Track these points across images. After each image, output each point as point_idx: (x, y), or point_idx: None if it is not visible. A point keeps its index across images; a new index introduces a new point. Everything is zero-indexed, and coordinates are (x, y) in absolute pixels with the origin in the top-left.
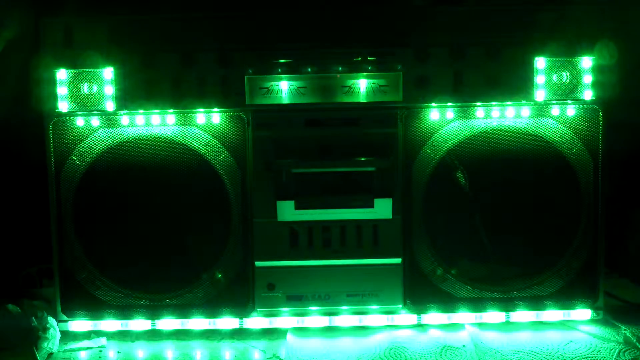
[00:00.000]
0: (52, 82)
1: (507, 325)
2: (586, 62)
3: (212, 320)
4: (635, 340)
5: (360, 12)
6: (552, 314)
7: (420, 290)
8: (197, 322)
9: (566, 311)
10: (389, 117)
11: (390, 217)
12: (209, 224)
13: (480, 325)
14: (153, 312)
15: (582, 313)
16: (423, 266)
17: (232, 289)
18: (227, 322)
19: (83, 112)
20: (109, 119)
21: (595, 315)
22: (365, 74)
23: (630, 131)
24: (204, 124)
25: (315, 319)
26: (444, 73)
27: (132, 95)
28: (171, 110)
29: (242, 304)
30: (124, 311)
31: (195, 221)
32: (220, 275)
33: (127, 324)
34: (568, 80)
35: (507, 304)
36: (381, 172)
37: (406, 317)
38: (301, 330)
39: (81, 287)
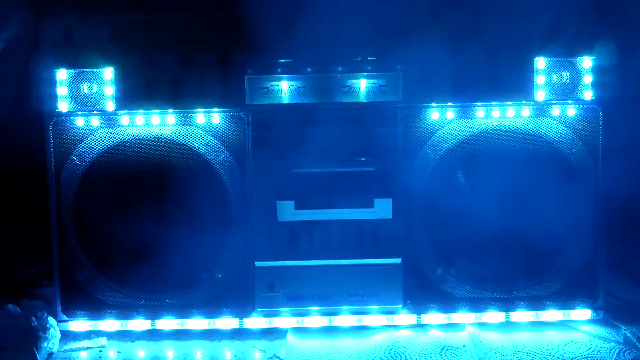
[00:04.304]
0: (52, 82)
1: (507, 325)
2: (586, 62)
3: (212, 320)
4: (635, 340)
5: (360, 11)
6: (552, 314)
7: (420, 290)
8: (197, 322)
9: (566, 311)
10: (389, 117)
11: (390, 217)
12: (209, 223)
13: (480, 325)
14: (153, 312)
15: (582, 313)
16: (423, 266)
17: (232, 289)
18: (227, 322)
19: (83, 112)
20: (109, 119)
21: (595, 315)
22: (365, 73)
23: (630, 131)
24: (204, 124)
25: (315, 319)
26: (444, 73)
27: (132, 95)
28: (171, 110)
29: (242, 304)
30: (124, 311)
31: (195, 221)
32: (220, 275)
33: (127, 324)
34: (568, 80)
35: (507, 304)
36: (381, 172)
37: (406, 317)
38: (301, 330)
39: (81, 287)
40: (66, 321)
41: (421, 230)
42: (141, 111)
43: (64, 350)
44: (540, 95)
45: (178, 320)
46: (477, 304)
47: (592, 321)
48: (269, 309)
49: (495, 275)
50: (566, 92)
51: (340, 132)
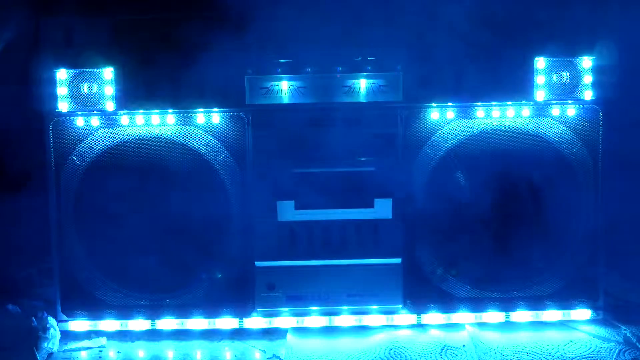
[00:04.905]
0: (52, 82)
1: (507, 325)
2: (586, 62)
3: (212, 320)
4: (635, 340)
5: (360, 11)
6: (552, 314)
7: (420, 290)
8: (197, 322)
9: (566, 311)
10: (389, 117)
11: (390, 217)
12: (209, 224)
13: (480, 325)
14: (153, 312)
15: (582, 313)
16: (423, 266)
17: (232, 289)
18: (227, 322)
19: (83, 112)
20: (109, 119)
21: (595, 315)
22: (365, 73)
23: (630, 131)
24: (204, 124)
25: (315, 319)
26: (444, 73)
27: (132, 95)
28: (171, 110)
29: (242, 304)
30: (124, 311)
31: (195, 221)
32: (220, 275)
33: (127, 324)
34: (568, 80)
35: (507, 304)
36: (381, 172)
37: (406, 317)
38: (301, 330)
39: (81, 287)
40: (66, 321)
41: (421, 230)
42: (141, 111)
43: (64, 350)
44: (540, 95)
45: (178, 320)
46: (477, 304)
47: (592, 321)
48: (269, 309)
49: (495, 275)
50: (566, 92)
51: (340, 132)
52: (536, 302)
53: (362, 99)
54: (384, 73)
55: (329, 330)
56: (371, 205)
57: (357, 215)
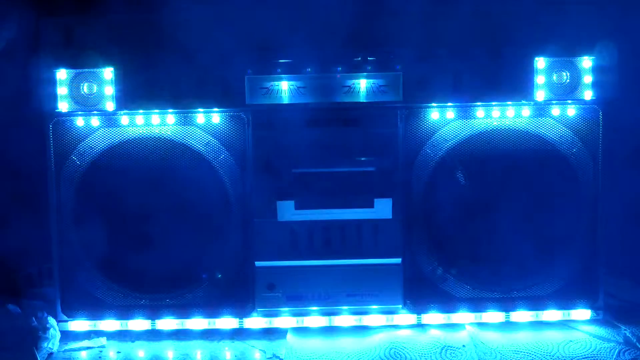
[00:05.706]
0: (52, 82)
1: (507, 325)
2: (586, 62)
3: (212, 320)
4: (635, 340)
5: (360, 11)
6: (552, 314)
7: (420, 290)
8: (197, 322)
9: (566, 311)
10: (389, 117)
11: (390, 217)
12: (209, 223)
13: (480, 325)
14: (153, 312)
15: (582, 313)
16: (423, 266)
17: (232, 289)
18: (227, 322)
19: (83, 112)
20: (109, 119)
21: (595, 315)
22: (365, 73)
23: (630, 131)
24: (204, 124)
25: (315, 319)
26: (444, 73)
27: (132, 95)
28: (171, 110)
29: (242, 304)
30: (124, 311)
31: (195, 221)
32: (220, 275)
33: (127, 324)
34: (568, 80)
35: (507, 304)
36: (381, 172)
37: (406, 317)
38: (301, 330)
39: (81, 287)
40: (66, 321)
41: (421, 230)
42: (141, 111)
43: (64, 350)
44: (540, 95)
45: (178, 320)
46: (477, 304)
47: (592, 321)
48: (269, 309)
49: (495, 275)
50: (566, 92)
51: (340, 132)
52: (536, 302)
53: (362, 99)
54: (384, 73)
55: (329, 330)
56: (371, 205)
57: (357, 215)
